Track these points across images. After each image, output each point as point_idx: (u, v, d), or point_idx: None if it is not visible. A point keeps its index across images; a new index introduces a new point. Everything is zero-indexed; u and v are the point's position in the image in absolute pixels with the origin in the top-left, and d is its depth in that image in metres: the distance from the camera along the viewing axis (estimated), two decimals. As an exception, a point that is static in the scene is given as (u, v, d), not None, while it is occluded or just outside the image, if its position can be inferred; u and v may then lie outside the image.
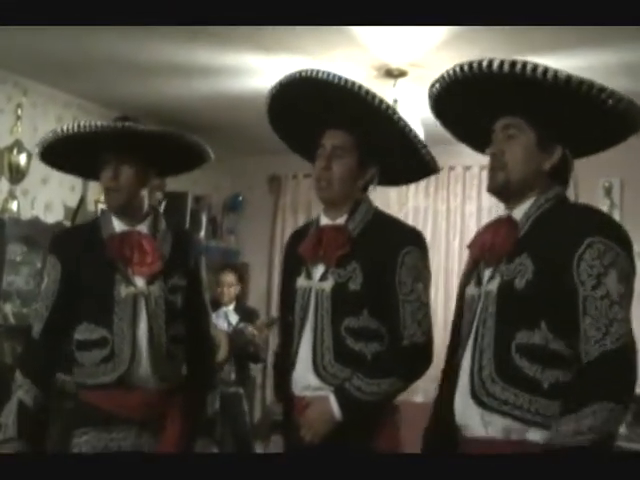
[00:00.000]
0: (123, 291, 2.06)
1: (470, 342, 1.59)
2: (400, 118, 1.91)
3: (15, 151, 4.12)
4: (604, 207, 4.60)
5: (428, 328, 1.93)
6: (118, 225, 2.14)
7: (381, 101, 1.87)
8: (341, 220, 1.98)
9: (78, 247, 2.13)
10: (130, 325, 2.05)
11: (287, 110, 2.03)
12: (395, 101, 3.93)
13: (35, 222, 4.16)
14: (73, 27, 3.33)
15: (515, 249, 1.56)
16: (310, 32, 3.40)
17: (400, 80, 3.94)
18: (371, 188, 2.04)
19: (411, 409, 5.18)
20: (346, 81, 1.85)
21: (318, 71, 1.87)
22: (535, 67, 1.48)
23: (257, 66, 3.92)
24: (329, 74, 1.85)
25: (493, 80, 1.54)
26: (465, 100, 1.67)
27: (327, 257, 1.94)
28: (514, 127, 1.61)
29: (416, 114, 3.89)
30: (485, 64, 1.52)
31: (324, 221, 2.02)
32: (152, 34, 3.54)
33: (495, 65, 1.51)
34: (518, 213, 1.62)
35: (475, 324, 1.59)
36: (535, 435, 1.48)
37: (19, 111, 4.20)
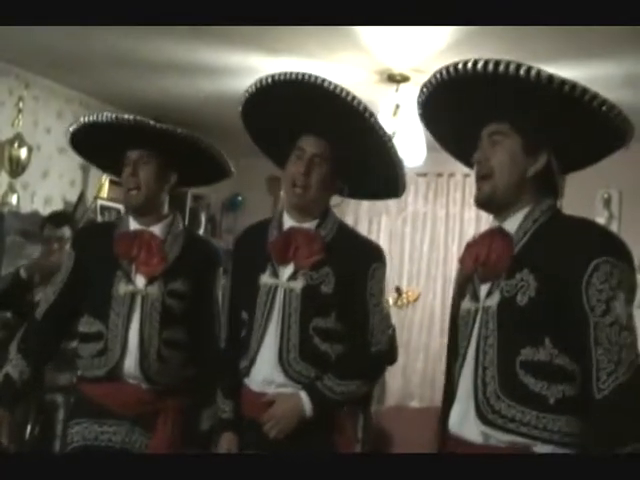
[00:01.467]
0: (122, 288, 2.11)
1: (470, 358, 1.57)
2: (381, 127, 1.92)
3: (16, 144, 4.12)
4: (602, 219, 4.61)
5: (390, 336, 2.09)
6: (133, 224, 2.20)
7: (372, 114, 1.89)
8: (310, 225, 2.01)
9: (93, 242, 2.23)
10: (124, 322, 2.09)
11: (265, 110, 2.02)
12: (397, 106, 3.94)
13: (34, 216, 4.16)
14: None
15: (514, 264, 1.54)
16: (314, 34, 3.41)
17: (402, 85, 3.95)
18: (337, 201, 2.08)
19: (407, 414, 5.19)
20: (335, 87, 1.86)
21: (311, 75, 1.87)
22: (518, 66, 1.47)
23: (260, 66, 3.91)
24: (319, 78, 1.86)
25: (478, 84, 1.53)
26: (451, 107, 1.66)
27: (300, 260, 1.97)
28: (499, 133, 1.60)
29: (417, 120, 3.89)
30: (470, 65, 1.51)
31: (289, 222, 2.03)
32: (156, 32, 3.53)
33: (479, 65, 1.50)
34: (511, 225, 1.60)
35: (475, 340, 1.58)
36: (542, 449, 1.48)
37: (20, 104, 4.20)
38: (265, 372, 1.96)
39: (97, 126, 2.15)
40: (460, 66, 1.53)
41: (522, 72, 1.47)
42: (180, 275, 2.16)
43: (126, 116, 2.12)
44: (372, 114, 1.89)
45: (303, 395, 1.92)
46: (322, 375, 1.94)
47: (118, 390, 2.09)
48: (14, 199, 4.15)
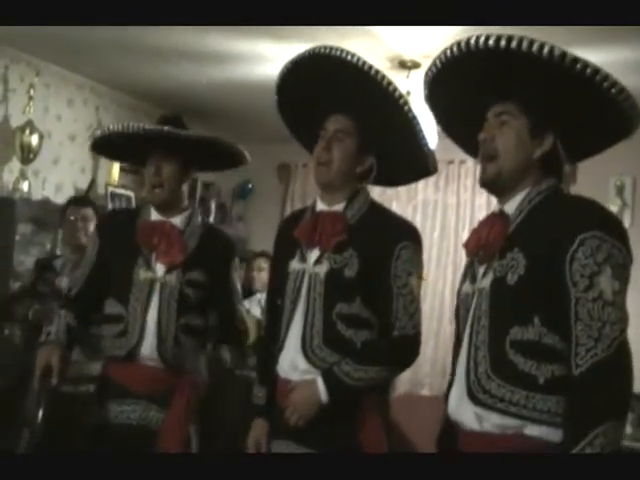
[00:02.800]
0: (142, 274, 2.22)
1: (465, 339, 1.57)
2: (411, 110, 1.90)
3: (27, 131, 4.13)
4: (615, 207, 4.56)
5: (418, 322, 1.96)
6: (154, 215, 2.30)
7: (395, 89, 1.87)
8: (339, 207, 2.00)
9: (116, 228, 2.33)
10: (143, 307, 2.20)
11: (295, 93, 2.03)
12: (408, 93, 3.91)
13: (45, 203, 4.18)
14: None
15: (507, 244, 1.53)
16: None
17: (413, 72, 3.93)
18: (366, 185, 2.05)
19: (418, 402, 5.18)
20: (364, 62, 1.85)
21: (334, 48, 1.86)
22: (531, 42, 1.44)
23: (270, 54, 3.90)
24: (343, 51, 1.85)
25: (487, 61, 1.51)
26: (458, 86, 1.63)
27: (324, 242, 1.95)
28: (506, 113, 1.57)
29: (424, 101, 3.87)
30: (482, 41, 1.48)
31: (320, 206, 2.03)
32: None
33: (491, 41, 1.46)
34: (510, 207, 1.59)
35: (470, 321, 1.57)
36: (532, 430, 1.47)
37: (31, 91, 4.21)
38: (290, 358, 1.95)
39: (119, 135, 2.24)
40: (473, 42, 1.50)
41: (535, 48, 1.43)
42: (198, 265, 2.25)
43: (152, 127, 2.22)
44: (393, 85, 1.87)
45: (319, 381, 1.89)
46: (341, 360, 1.89)
47: (136, 370, 2.19)
48: (25, 186, 4.16)
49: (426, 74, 1.67)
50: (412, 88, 3.90)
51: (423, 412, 4.28)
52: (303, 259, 1.98)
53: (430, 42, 3.62)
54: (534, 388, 1.46)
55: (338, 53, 1.85)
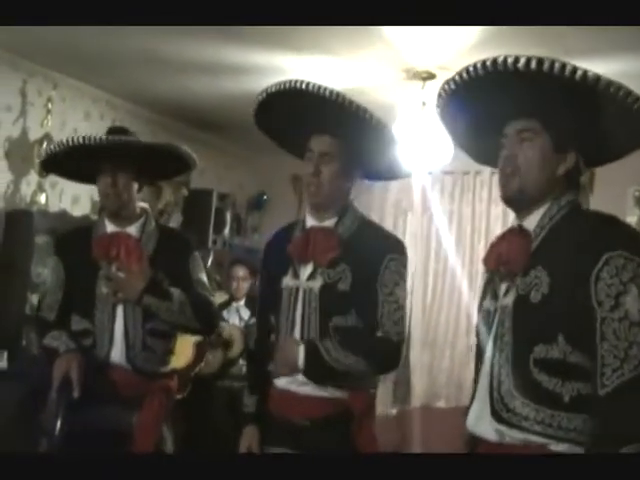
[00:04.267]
0: (104, 288, 2.26)
1: (488, 356, 1.57)
2: (374, 117, 1.96)
3: (45, 144, 4.16)
4: (634, 217, 4.51)
5: (402, 330, 2.02)
6: (110, 227, 2.35)
7: (357, 105, 1.93)
8: (329, 223, 2.06)
9: (74, 247, 2.37)
10: (109, 318, 2.25)
11: (273, 118, 2.10)
12: (423, 104, 3.92)
13: (62, 215, 4.21)
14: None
15: (530, 262, 1.52)
16: (340, 33, 3.40)
17: (429, 83, 3.93)
18: (355, 188, 2.12)
19: (434, 414, 5.15)
20: (325, 89, 1.91)
21: (297, 81, 1.93)
22: (553, 63, 1.43)
23: (286, 66, 3.92)
24: (308, 84, 1.92)
25: (509, 81, 1.50)
26: (474, 103, 1.62)
27: (317, 257, 2.01)
28: (529, 130, 1.56)
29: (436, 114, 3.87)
30: (510, 61, 1.46)
31: (311, 222, 2.09)
32: (181, 32, 3.55)
33: (521, 63, 1.45)
34: (530, 223, 1.58)
35: (492, 338, 1.57)
36: (557, 447, 1.46)
37: (49, 105, 4.25)
38: None
39: (69, 150, 2.27)
40: (500, 61, 1.47)
41: (556, 69, 1.43)
42: (158, 268, 2.28)
43: (98, 137, 2.26)
44: (356, 104, 1.93)
45: (301, 347, 1.95)
46: (326, 338, 1.96)
47: (108, 378, 2.24)
48: (43, 198, 4.20)
49: (443, 87, 1.65)
50: (427, 99, 3.91)
51: (439, 424, 4.26)
52: (296, 275, 2.03)
53: (445, 53, 3.62)
54: (559, 407, 1.45)
55: (310, 87, 1.92)
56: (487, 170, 5.09)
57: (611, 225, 1.51)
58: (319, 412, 1.96)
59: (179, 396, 2.75)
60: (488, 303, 1.62)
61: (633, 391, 1.37)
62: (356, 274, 1.98)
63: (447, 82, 1.61)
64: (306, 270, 2.02)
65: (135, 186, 2.34)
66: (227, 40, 3.64)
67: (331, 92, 1.91)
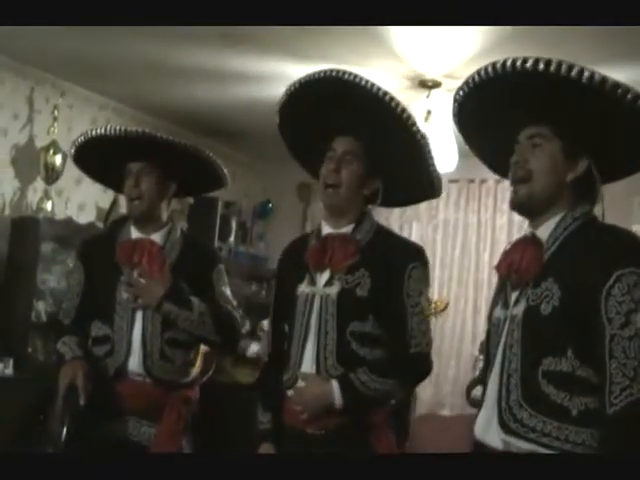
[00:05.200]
0: (124, 293, 2.24)
1: (497, 366, 1.56)
2: (421, 132, 1.91)
3: (51, 151, 4.17)
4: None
5: (430, 339, 1.99)
6: (134, 233, 2.32)
7: (403, 109, 1.87)
8: (346, 229, 2.01)
9: (97, 252, 2.35)
10: (128, 325, 2.23)
11: (300, 112, 2.03)
12: (429, 112, 3.92)
13: (68, 222, 4.22)
14: (109, 30, 3.37)
15: (542, 272, 1.52)
16: (345, 41, 3.41)
17: (434, 91, 3.93)
18: (371, 207, 2.05)
19: (439, 422, 5.13)
20: (372, 85, 1.85)
21: (343, 71, 1.87)
22: (570, 67, 1.42)
23: (291, 73, 3.92)
24: (356, 76, 1.85)
25: (520, 84, 1.49)
26: (488, 108, 1.62)
27: (335, 264, 1.96)
28: (539, 136, 1.56)
29: (449, 125, 3.87)
30: (519, 63, 1.45)
31: (327, 230, 2.04)
32: (186, 39, 3.57)
33: (529, 64, 1.44)
34: (543, 232, 1.57)
35: (501, 348, 1.56)
36: None
37: (56, 112, 4.26)
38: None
39: (101, 140, 2.24)
40: (509, 64, 1.47)
41: (574, 73, 1.41)
42: (180, 277, 2.26)
43: (133, 129, 2.24)
44: (402, 107, 1.87)
45: (334, 383, 1.90)
46: (357, 368, 1.91)
47: (124, 387, 2.21)
48: (49, 205, 4.21)
49: (457, 92, 1.65)
50: (432, 107, 3.91)
51: (444, 432, 4.24)
52: (312, 282, 1.99)
53: (451, 61, 3.63)
54: (567, 420, 1.44)
55: (351, 77, 1.86)
56: (492, 178, 5.09)
57: (624, 241, 1.49)
58: (334, 422, 1.92)
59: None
60: (499, 311, 1.62)
61: None
62: (375, 280, 1.93)
63: (460, 87, 1.62)
64: (323, 277, 1.98)
65: (160, 192, 2.29)
66: (233, 48, 3.65)
67: (379, 88, 1.85)
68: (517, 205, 1.60)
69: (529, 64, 1.44)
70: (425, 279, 2.00)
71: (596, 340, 1.43)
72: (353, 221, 2.01)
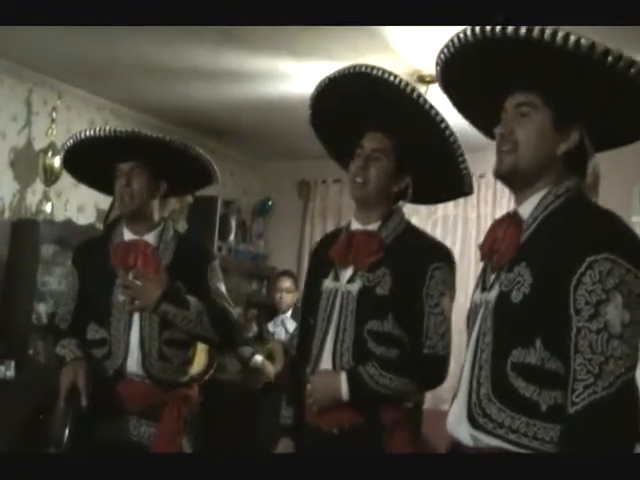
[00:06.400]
0: (121, 296, 2.23)
1: (469, 355, 1.45)
2: (451, 131, 1.89)
3: (50, 153, 4.17)
4: (639, 219, 4.49)
5: (448, 343, 1.93)
6: (127, 234, 2.31)
7: (436, 111, 1.86)
8: (374, 226, 1.99)
9: (91, 256, 2.35)
10: (125, 327, 2.23)
11: (330, 108, 2.02)
12: (427, 107, 3.91)
13: (68, 224, 4.22)
14: (106, 31, 3.38)
15: (516, 255, 1.39)
16: (341, 37, 3.41)
17: (432, 86, 3.93)
18: (401, 203, 2.03)
19: (440, 417, 5.11)
20: (400, 81, 1.84)
21: (373, 67, 1.86)
22: (555, 32, 1.30)
23: (288, 71, 3.93)
24: (385, 72, 1.85)
25: (507, 49, 1.38)
26: (476, 70, 1.50)
27: (358, 261, 1.95)
28: (527, 104, 1.43)
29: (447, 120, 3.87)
30: (501, 29, 1.33)
31: (355, 226, 2.03)
32: (183, 39, 3.57)
33: (516, 30, 1.32)
34: (525, 210, 1.44)
35: (474, 336, 1.45)
36: None
37: (54, 114, 4.27)
38: None
39: (90, 142, 2.25)
40: (499, 29, 1.34)
41: (559, 39, 1.30)
42: (176, 277, 2.25)
43: (121, 128, 2.25)
44: (431, 105, 1.86)
45: (343, 376, 1.89)
46: (368, 363, 1.89)
47: (124, 388, 2.20)
48: (48, 207, 4.21)
49: (438, 57, 1.54)
50: (430, 102, 3.90)
51: (445, 427, 4.24)
52: (336, 278, 1.98)
53: (447, 57, 3.62)
54: (536, 415, 1.33)
55: (379, 73, 1.85)
56: (491, 172, 5.07)
57: (602, 223, 1.35)
58: (348, 421, 1.90)
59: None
60: (477, 295, 1.50)
61: (605, 411, 1.24)
62: (396, 279, 1.91)
63: (441, 51, 1.51)
64: (346, 273, 1.97)
65: (151, 190, 2.28)
66: (230, 47, 3.65)
67: (406, 84, 1.83)
68: (501, 174, 1.47)
69: (522, 31, 1.32)
70: (449, 281, 1.95)
71: (564, 332, 1.30)
72: (381, 218, 1.99)
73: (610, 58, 1.30)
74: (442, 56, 1.52)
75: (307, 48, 3.58)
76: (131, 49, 3.73)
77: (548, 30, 1.31)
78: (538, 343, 1.34)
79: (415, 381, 1.93)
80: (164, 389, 2.24)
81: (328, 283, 1.99)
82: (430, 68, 3.81)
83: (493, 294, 1.42)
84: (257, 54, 3.75)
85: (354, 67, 1.89)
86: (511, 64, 1.42)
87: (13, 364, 3.83)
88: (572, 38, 1.30)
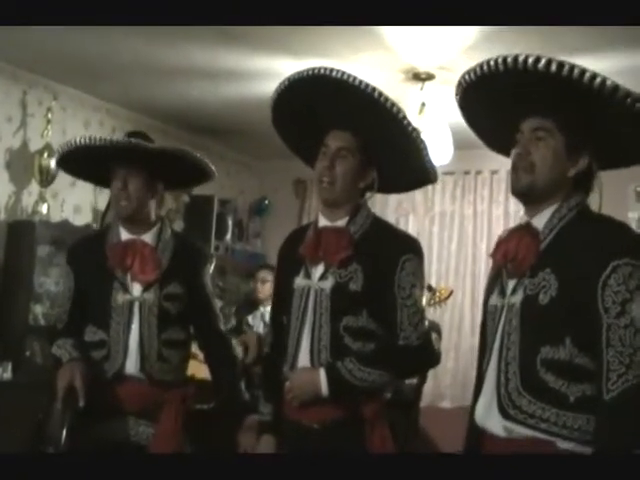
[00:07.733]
0: (120, 298, 2.23)
1: (495, 353, 1.60)
2: (410, 122, 1.92)
3: (45, 154, 4.17)
4: (635, 214, 4.51)
5: (424, 332, 1.97)
6: (124, 234, 2.30)
7: (393, 104, 1.88)
8: (341, 222, 2.01)
9: (87, 256, 2.33)
10: (124, 329, 2.23)
11: (292, 109, 2.03)
12: (423, 104, 3.92)
13: (64, 224, 4.22)
14: (102, 31, 3.37)
15: (538, 262, 1.56)
16: (338, 35, 3.41)
17: (428, 83, 3.93)
18: (368, 195, 2.05)
19: (438, 414, 5.13)
20: (360, 82, 1.85)
21: (332, 69, 1.87)
22: (572, 68, 1.46)
23: (284, 69, 3.89)
24: (343, 73, 1.86)
25: (527, 78, 1.51)
26: (496, 95, 1.63)
27: (328, 258, 1.97)
28: (544, 130, 1.59)
29: (443, 118, 3.87)
30: (530, 61, 1.48)
31: (323, 222, 2.04)
32: (180, 39, 3.56)
33: (535, 63, 1.47)
34: (539, 221, 1.61)
35: (499, 336, 1.60)
36: (563, 444, 1.50)
37: (49, 115, 4.26)
38: None
39: (85, 148, 2.24)
40: (521, 60, 1.49)
41: (576, 74, 1.46)
42: (174, 278, 2.27)
43: (119, 139, 2.25)
44: (392, 102, 1.88)
45: (321, 372, 1.91)
46: (345, 358, 1.92)
47: (122, 388, 2.21)
48: (44, 208, 4.21)
49: (460, 79, 1.66)
50: (427, 100, 3.91)
51: (444, 424, 4.25)
52: (308, 275, 2.00)
53: (444, 54, 3.62)
54: (565, 406, 1.49)
55: (339, 75, 1.86)
56: (488, 170, 5.10)
57: (620, 232, 1.54)
58: (329, 416, 1.93)
59: (205, 406, 2.69)
60: (495, 299, 1.65)
61: (637, 396, 1.42)
62: (368, 274, 1.93)
63: (467, 72, 1.62)
64: (318, 270, 1.98)
65: (148, 192, 2.28)
66: (226, 46, 3.65)
67: (367, 85, 1.85)
68: (519, 192, 1.63)
69: (541, 64, 1.47)
70: (419, 272, 1.99)
71: (593, 329, 1.47)
72: (348, 213, 2.01)
73: (619, 94, 1.46)
74: (467, 77, 1.63)
75: (304, 46, 3.57)
76: (127, 49, 3.72)
77: (576, 70, 1.46)
78: (567, 340, 1.50)
79: (392, 373, 1.97)
80: (162, 389, 2.24)
81: (300, 281, 2.00)
82: (426, 65, 3.82)
83: (517, 298, 1.57)
84: (254, 53, 3.75)
85: (313, 69, 1.90)
86: (530, 92, 1.56)
87: (10, 366, 3.83)
88: (587, 74, 1.46)
